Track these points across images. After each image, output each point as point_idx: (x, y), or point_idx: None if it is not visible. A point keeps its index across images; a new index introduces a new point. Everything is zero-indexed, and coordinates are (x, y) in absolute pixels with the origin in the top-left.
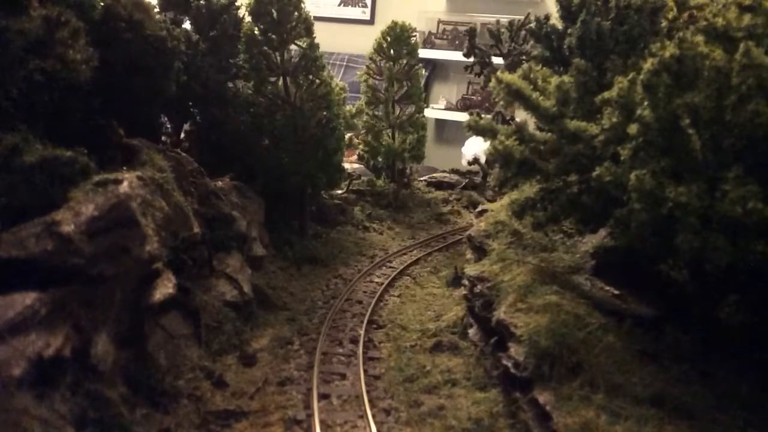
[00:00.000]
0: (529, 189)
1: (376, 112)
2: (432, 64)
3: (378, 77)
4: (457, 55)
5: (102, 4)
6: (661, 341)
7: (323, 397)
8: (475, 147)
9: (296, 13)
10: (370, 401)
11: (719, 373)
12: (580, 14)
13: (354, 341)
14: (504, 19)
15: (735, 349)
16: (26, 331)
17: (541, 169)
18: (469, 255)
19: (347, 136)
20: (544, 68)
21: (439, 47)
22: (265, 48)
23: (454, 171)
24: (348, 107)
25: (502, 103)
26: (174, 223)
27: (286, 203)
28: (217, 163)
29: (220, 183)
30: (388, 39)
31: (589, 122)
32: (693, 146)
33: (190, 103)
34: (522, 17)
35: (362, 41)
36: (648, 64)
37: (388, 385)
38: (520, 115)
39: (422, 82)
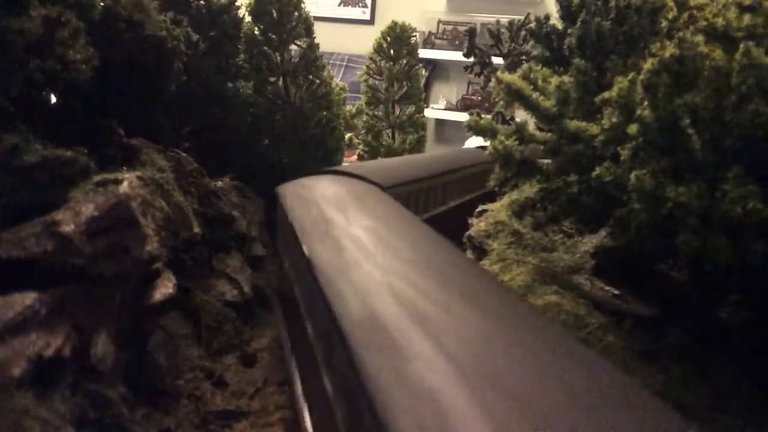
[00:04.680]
0: (529, 189)
1: (376, 112)
2: (432, 64)
3: (378, 77)
4: (457, 55)
5: (102, 4)
6: (661, 341)
7: None
8: None
9: (296, 13)
10: None
11: (719, 373)
12: (580, 14)
13: None
14: (504, 19)
15: (735, 349)
16: (26, 331)
17: (541, 169)
18: (469, 255)
19: (347, 136)
20: (544, 68)
21: (439, 47)
22: (265, 48)
23: None
24: (348, 107)
25: (502, 103)
26: (174, 223)
27: None
28: (217, 163)
29: (220, 183)
30: (388, 39)
31: (589, 122)
32: (693, 146)
33: (190, 103)
34: (522, 17)
35: (362, 41)
36: (648, 64)
37: None
38: (520, 115)
39: (422, 82)
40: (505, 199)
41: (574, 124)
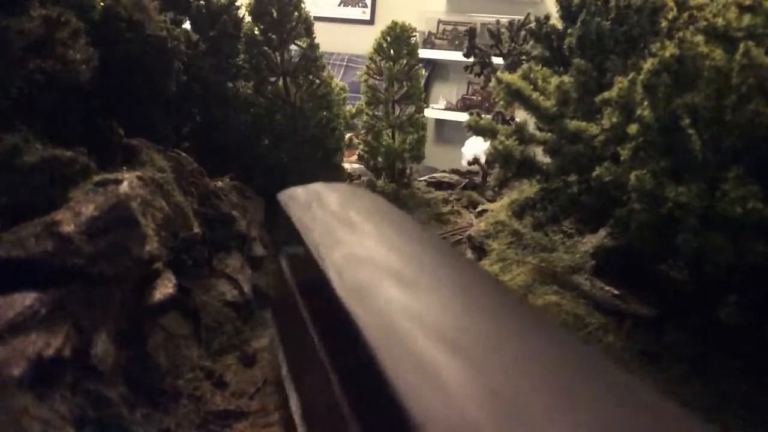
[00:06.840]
0: (529, 189)
1: (376, 112)
2: (432, 64)
3: (378, 77)
4: (457, 55)
5: (102, 4)
6: (661, 341)
7: None
8: (475, 147)
9: (296, 13)
10: None
11: (719, 373)
12: (580, 14)
13: None
14: (504, 19)
15: (735, 349)
16: (26, 331)
17: (541, 169)
18: (469, 255)
19: (347, 136)
20: (544, 68)
21: (439, 47)
22: (265, 48)
23: (454, 171)
24: (348, 107)
25: (502, 103)
26: (174, 223)
27: None
28: (217, 163)
29: (220, 183)
30: (388, 39)
31: (589, 122)
32: (693, 146)
33: (190, 103)
34: (522, 17)
35: (362, 41)
36: (648, 64)
37: None
38: (520, 115)
39: (422, 82)
40: (505, 199)
41: (574, 124)
